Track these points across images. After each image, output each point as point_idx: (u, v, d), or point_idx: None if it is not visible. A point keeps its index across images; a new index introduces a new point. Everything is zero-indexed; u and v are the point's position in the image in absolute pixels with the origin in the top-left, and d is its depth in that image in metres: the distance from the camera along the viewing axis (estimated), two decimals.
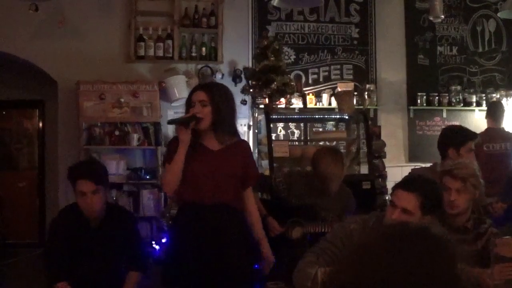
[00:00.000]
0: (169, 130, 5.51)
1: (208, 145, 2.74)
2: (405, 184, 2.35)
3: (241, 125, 5.69)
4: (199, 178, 2.67)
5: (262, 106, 5.25)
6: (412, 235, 1.04)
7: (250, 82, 5.30)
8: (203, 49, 5.75)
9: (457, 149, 3.44)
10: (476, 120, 6.24)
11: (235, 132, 2.82)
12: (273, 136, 5.26)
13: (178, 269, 2.70)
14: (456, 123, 6.01)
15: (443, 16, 5.19)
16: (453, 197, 2.56)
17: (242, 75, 5.62)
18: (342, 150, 5.25)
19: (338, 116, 5.48)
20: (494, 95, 6.31)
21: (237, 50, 5.89)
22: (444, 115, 6.29)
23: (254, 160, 3.02)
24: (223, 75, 5.79)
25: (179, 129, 2.66)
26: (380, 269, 0.98)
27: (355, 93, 5.89)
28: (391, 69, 6.29)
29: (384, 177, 4.90)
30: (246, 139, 5.58)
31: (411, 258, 0.98)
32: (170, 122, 2.81)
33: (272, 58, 5.07)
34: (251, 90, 5.25)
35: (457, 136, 3.52)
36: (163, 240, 4.80)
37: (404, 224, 1.11)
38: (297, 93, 5.64)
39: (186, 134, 2.65)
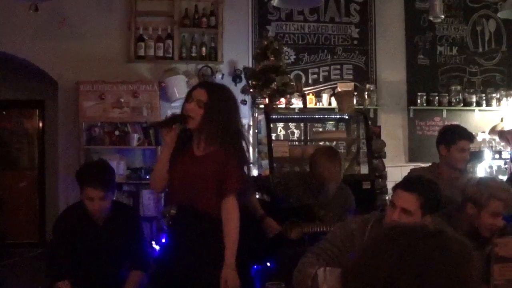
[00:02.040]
0: None
1: (194, 149, 2.67)
2: (405, 184, 2.35)
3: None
4: (176, 180, 2.64)
5: (262, 106, 5.24)
6: (431, 236, 1.04)
7: (250, 82, 5.29)
8: (203, 49, 5.75)
9: (448, 147, 3.42)
10: (476, 120, 6.24)
11: (230, 141, 2.62)
12: (273, 136, 5.25)
13: (161, 271, 2.71)
14: (456, 123, 6.01)
15: (443, 16, 5.19)
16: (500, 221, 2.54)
17: (242, 75, 5.62)
18: (342, 150, 5.27)
19: (338, 116, 5.47)
20: (494, 95, 6.31)
21: (237, 50, 5.89)
22: (444, 115, 6.28)
23: (237, 168, 2.64)
24: (223, 75, 5.79)
25: (162, 129, 2.62)
26: (393, 268, 0.98)
27: (355, 93, 5.88)
28: (391, 69, 6.29)
29: (384, 177, 4.89)
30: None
31: (428, 259, 0.99)
32: (147, 127, 2.64)
33: (272, 58, 5.06)
34: (251, 90, 5.24)
35: (450, 134, 3.49)
36: (163, 240, 4.79)
37: (423, 225, 1.12)
38: (297, 93, 5.62)
39: (169, 135, 2.61)
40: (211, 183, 2.60)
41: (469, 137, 3.53)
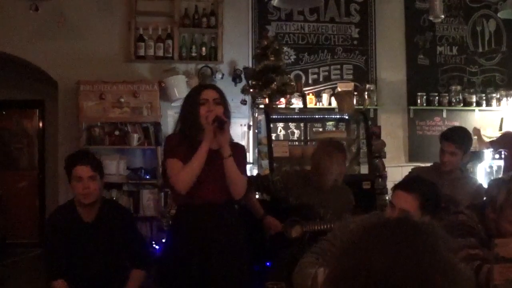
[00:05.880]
0: (170, 130, 5.52)
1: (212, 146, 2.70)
2: (405, 185, 2.35)
3: (241, 125, 5.70)
4: (200, 177, 2.64)
5: (262, 106, 5.24)
6: (391, 225, 1.05)
7: (250, 82, 5.30)
8: (203, 49, 5.75)
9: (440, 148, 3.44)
10: (476, 120, 6.24)
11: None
12: (273, 136, 5.25)
13: (177, 269, 2.69)
14: (456, 123, 6.02)
15: (443, 16, 5.19)
16: None
17: (242, 75, 5.62)
18: None
19: (338, 116, 5.48)
20: (494, 95, 6.31)
21: (237, 50, 5.89)
22: (444, 115, 6.28)
23: (246, 165, 3.09)
24: (223, 75, 5.79)
25: (214, 127, 2.62)
26: (362, 261, 0.99)
27: (355, 93, 5.88)
28: (391, 69, 6.29)
29: (384, 177, 4.89)
30: (246, 139, 5.59)
31: (390, 247, 0.99)
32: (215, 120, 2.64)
33: (272, 58, 5.07)
34: (251, 90, 5.25)
35: (442, 134, 3.50)
36: (163, 240, 4.80)
37: (386, 217, 1.12)
38: (297, 93, 5.63)
39: (211, 132, 2.65)
40: None
41: (448, 138, 3.39)
